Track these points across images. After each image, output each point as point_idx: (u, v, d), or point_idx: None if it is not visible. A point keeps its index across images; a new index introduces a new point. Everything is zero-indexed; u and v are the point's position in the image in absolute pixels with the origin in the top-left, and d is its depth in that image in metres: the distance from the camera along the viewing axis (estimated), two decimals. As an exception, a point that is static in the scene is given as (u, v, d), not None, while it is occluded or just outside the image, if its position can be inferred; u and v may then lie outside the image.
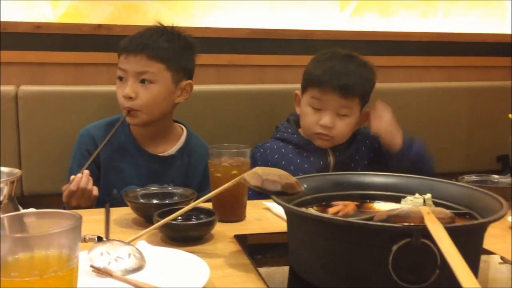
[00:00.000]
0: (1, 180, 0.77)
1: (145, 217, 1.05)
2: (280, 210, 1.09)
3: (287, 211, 0.82)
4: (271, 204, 1.16)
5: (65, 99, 1.66)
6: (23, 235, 0.58)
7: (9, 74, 1.68)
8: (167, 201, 1.09)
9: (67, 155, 1.48)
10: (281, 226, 1.01)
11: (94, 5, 1.77)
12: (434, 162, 1.54)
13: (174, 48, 1.40)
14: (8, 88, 1.62)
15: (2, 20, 1.66)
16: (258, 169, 0.84)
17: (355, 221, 0.73)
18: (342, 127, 1.48)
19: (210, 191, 0.93)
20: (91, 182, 1.24)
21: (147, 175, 1.45)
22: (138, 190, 1.13)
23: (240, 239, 0.97)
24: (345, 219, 0.73)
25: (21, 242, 0.55)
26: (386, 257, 0.64)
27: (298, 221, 0.79)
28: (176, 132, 1.52)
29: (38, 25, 1.68)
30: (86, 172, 1.23)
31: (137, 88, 1.36)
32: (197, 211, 0.99)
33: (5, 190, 0.76)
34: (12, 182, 0.78)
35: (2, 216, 0.58)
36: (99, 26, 1.74)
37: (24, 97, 1.61)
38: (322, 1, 1.99)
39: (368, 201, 0.93)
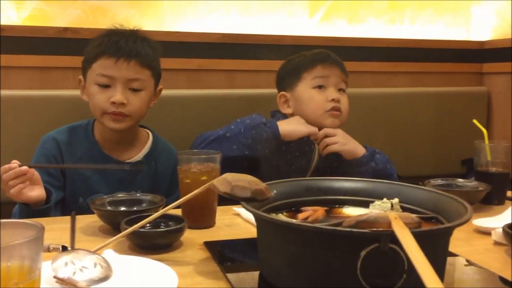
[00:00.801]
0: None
1: (112, 224, 1.03)
2: (250, 216, 1.09)
3: (257, 217, 0.81)
4: (241, 210, 1.16)
5: (30, 103, 1.62)
6: None
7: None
8: (135, 208, 1.07)
9: (31, 161, 1.44)
10: (251, 232, 1.01)
11: (60, 7, 1.74)
12: (396, 175, 1.55)
13: (155, 54, 1.41)
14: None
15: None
16: (228, 175, 0.84)
17: (323, 227, 0.73)
18: (345, 103, 1.53)
19: (178, 197, 0.92)
20: (34, 171, 1.17)
21: (114, 182, 1.42)
22: (105, 197, 1.11)
23: (210, 245, 0.96)
24: (314, 225, 0.73)
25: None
26: (355, 262, 0.64)
27: (268, 227, 0.78)
28: (142, 137, 1.50)
29: (2, 28, 1.63)
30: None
31: (127, 95, 1.34)
32: (166, 218, 0.97)
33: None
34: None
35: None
36: (66, 29, 1.70)
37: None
38: (292, 7, 2.01)
39: (337, 206, 0.94)
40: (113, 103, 1.33)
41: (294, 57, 1.59)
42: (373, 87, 2.09)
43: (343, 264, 0.68)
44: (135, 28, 1.43)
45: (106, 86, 1.34)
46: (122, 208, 1.08)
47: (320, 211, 0.89)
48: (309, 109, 1.51)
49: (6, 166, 1.12)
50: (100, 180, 1.42)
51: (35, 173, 1.17)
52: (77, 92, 1.48)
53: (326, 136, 1.48)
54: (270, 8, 1.97)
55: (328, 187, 0.96)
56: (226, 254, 0.96)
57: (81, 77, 1.41)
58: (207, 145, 1.43)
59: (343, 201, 0.94)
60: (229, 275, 0.81)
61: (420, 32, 2.19)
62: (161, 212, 0.91)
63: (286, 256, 0.74)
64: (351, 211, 0.92)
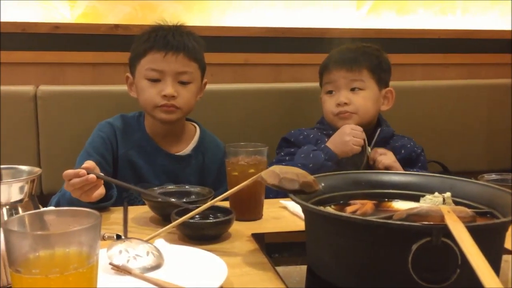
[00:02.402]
0: (22, 178, 0.78)
1: (163, 215, 1.05)
2: (297, 209, 1.09)
3: (305, 210, 0.81)
4: (288, 203, 1.16)
5: (82, 98, 1.68)
6: (43, 232, 0.59)
7: (29, 74, 1.71)
8: (184, 200, 1.09)
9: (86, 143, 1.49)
10: (298, 225, 1.01)
11: (111, 5, 1.78)
12: None
13: (200, 48, 1.43)
14: (27, 88, 1.64)
15: (22, 21, 1.68)
16: (276, 168, 0.84)
17: (374, 220, 0.72)
18: (360, 101, 1.49)
19: (224, 190, 0.93)
20: (95, 186, 1.11)
21: (164, 173, 1.46)
22: (156, 188, 1.14)
23: (258, 237, 0.97)
24: (364, 218, 0.73)
25: (42, 239, 0.56)
26: (406, 256, 0.63)
27: (316, 220, 0.78)
28: (190, 130, 1.52)
29: (57, 26, 1.70)
30: (92, 176, 1.09)
31: (177, 88, 1.37)
32: (214, 209, 0.99)
33: (26, 189, 0.77)
34: (33, 181, 0.78)
35: (23, 214, 0.59)
36: (116, 26, 1.75)
37: (43, 96, 1.63)
38: (338, 0, 1.98)
39: (386, 200, 0.92)
40: (164, 96, 1.36)
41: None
42: (423, 80, 2.04)
43: (394, 257, 0.67)
44: (180, 23, 1.46)
45: (156, 80, 1.37)
46: (172, 200, 1.11)
47: (368, 204, 0.88)
48: (324, 111, 1.56)
49: (71, 172, 1.07)
50: (150, 170, 1.45)
51: (99, 190, 1.13)
52: (125, 88, 1.52)
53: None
54: (315, 1, 1.96)
55: (377, 180, 0.95)
56: (273, 246, 0.97)
57: (128, 74, 1.45)
58: None
59: (392, 195, 0.93)
60: (277, 267, 0.82)
61: (472, 22, 2.11)
62: (210, 203, 0.92)
63: (335, 249, 0.74)
64: (401, 205, 0.90)
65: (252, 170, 1.06)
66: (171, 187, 1.16)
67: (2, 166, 0.80)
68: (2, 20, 1.66)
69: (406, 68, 1.92)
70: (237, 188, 0.90)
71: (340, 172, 0.96)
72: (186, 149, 1.48)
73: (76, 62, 1.73)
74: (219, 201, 0.92)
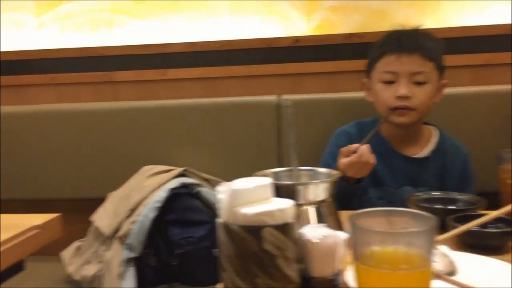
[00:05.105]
0: (324, 180, 0.85)
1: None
2: None
3: None
4: None
5: (319, 106, 1.77)
6: (391, 231, 0.63)
7: (271, 85, 1.87)
8: (453, 207, 1.07)
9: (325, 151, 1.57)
10: None
11: (344, 15, 1.85)
12: None
13: (438, 47, 1.41)
14: (271, 98, 1.79)
15: (267, 37, 1.85)
16: None
17: None
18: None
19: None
20: (370, 155, 1.27)
21: (401, 177, 1.46)
22: (420, 194, 1.14)
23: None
24: None
25: (389, 237, 0.60)
26: None
27: None
28: (425, 134, 1.50)
29: (297, 39, 1.83)
30: (366, 146, 1.27)
31: (411, 88, 1.37)
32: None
33: (328, 189, 0.84)
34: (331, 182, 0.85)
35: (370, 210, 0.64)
36: (351, 35, 1.81)
37: (284, 105, 1.77)
38: None
39: None
40: (399, 97, 1.36)
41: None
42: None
43: None
44: (416, 26, 1.45)
45: (390, 82, 1.39)
46: (438, 206, 1.10)
47: None
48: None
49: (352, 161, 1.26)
50: (387, 173, 1.47)
51: (371, 159, 1.28)
52: (359, 94, 1.57)
53: None
54: None
55: None
56: None
57: (364, 80, 1.49)
58: None
59: None
60: None
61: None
62: (497, 213, 0.89)
63: None
64: None
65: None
66: (436, 193, 1.14)
67: (304, 168, 0.89)
68: (250, 37, 1.86)
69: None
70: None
71: None
72: (423, 152, 1.47)
73: (314, 72, 1.84)
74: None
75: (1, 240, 1.00)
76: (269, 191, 0.71)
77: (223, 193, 0.68)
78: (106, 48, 1.90)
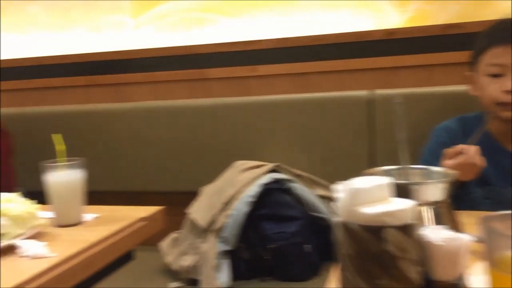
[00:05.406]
0: (440, 180, 0.81)
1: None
2: None
3: None
4: None
5: (415, 100, 1.70)
6: None
7: (363, 80, 1.83)
8: None
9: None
10: None
11: (441, 5, 1.77)
12: None
13: None
14: (362, 93, 1.76)
15: (357, 30, 1.82)
16: None
17: None
18: None
19: None
20: (478, 157, 1.22)
21: (507, 175, 1.37)
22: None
23: None
24: None
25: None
26: None
27: None
28: None
29: (391, 31, 1.77)
30: (475, 148, 1.22)
31: None
32: None
33: (444, 190, 0.81)
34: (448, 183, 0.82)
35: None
36: (448, 25, 1.73)
37: (379, 100, 1.73)
38: None
39: None
40: (506, 91, 1.29)
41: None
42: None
43: None
44: None
45: (497, 76, 1.32)
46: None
47: None
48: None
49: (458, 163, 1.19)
50: (493, 171, 1.39)
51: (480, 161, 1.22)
52: (459, 88, 1.51)
53: None
54: None
55: None
56: None
57: (468, 73, 1.42)
58: None
59: None
60: None
61: None
62: None
63: None
64: None
65: None
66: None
67: (416, 166, 0.86)
68: (340, 31, 1.83)
69: None
70: None
71: None
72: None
73: (409, 65, 1.77)
74: None
75: (112, 232, 1.06)
76: (388, 190, 0.69)
77: (342, 192, 0.68)
78: (199, 46, 1.96)
